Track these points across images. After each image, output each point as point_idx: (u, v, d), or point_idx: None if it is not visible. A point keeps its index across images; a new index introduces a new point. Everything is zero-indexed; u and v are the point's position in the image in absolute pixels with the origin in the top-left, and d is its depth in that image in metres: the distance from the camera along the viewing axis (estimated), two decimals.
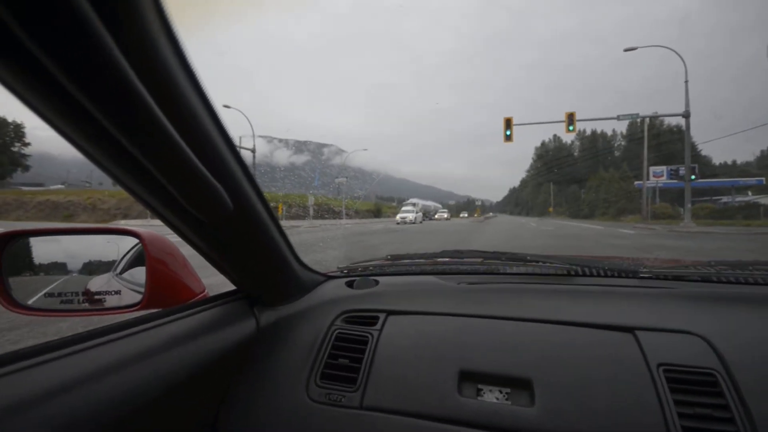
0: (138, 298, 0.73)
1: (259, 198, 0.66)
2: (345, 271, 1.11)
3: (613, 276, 0.92)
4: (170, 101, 0.42)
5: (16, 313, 0.72)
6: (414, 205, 39.31)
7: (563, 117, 18.22)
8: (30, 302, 0.75)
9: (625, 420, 0.60)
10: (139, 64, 0.36)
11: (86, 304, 0.78)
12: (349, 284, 1.02)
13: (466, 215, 58.79)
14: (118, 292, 0.78)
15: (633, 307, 0.80)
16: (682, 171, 18.51)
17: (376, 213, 43.12)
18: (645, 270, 0.92)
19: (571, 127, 18.05)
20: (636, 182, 42.29)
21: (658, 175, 35.47)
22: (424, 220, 34.76)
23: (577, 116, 18.02)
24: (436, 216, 41.82)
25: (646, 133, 30.50)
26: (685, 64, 18.08)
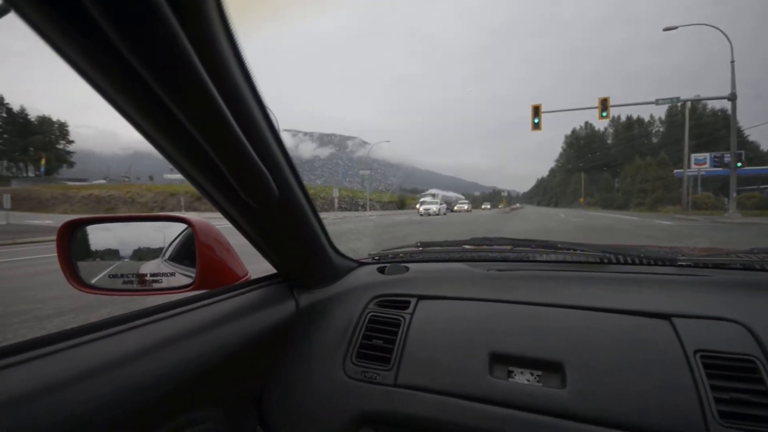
0: (189, 280, 0.79)
1: (300, 187, 0.70)
2: (376, 258, 1.14)
3: (649, 264, 0.91)
4: (230, 94, 0.46)
5: (85, 293, 0.79)
6: (434, 195, 37.67)
7: (596, 103, 17.37)
8: (95, 282, 0.82)
9: (658, 403, 0.60)
10: (204, 57, 0.39)
11: (144, 285, 0.85)
12: (381, 270, 1.05)
13: (488, 207, 54.99)
14: (172, 274, 0.84)
15: (670, 294, 0.78)
16: (728, 158, 17.22)
17: (400, 205, 42.94)
18: (684, 258, 0.90)
19: (604, 113, 17.13)
20: (676, 170, 39.81)
21: (700, 163, 33.07)
22: (447, 211, 33.71)
23: (612, 102, 17.11)
24: (455, 207, 38.77)
25: (687, 118, 28.51)
26: (731, 43, 16.75)
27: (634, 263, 0.92)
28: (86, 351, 0.50)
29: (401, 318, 0.85)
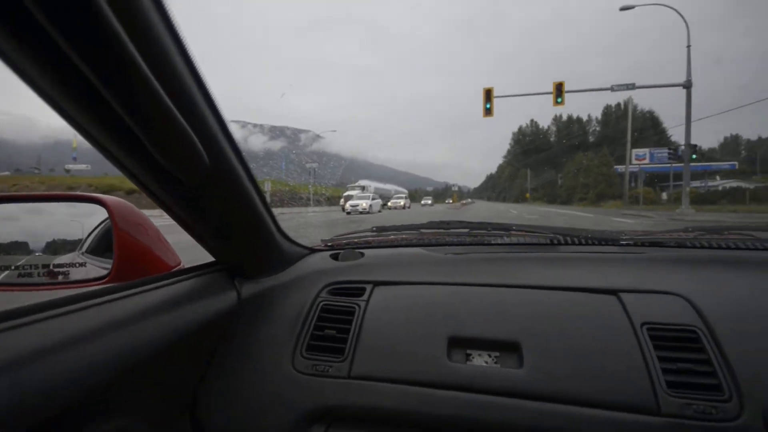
0: (105, 271, 0.69)
1: (238, 157, 0.62)
2: (329, 244, 1.09)
3: (594, 244, 0.95)
4: (144, 38, 0.40)
5: None
6: (363, 188, 31.04)
7: (549, 95, 15.78)
8: None
9: (611, 376, 0.62)
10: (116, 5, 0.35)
11: (47, 278, 0.72)
12: (334, 257, 1.00)
13: (429, 202, 47.12)
14: (83, 265, 0.74)
15: (615, 271, 0.82)
16: (681, 151, 16.61)
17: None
18: (626, 237, 0.95)
19: (559, 99, 15.67)
20: (615, 166, 41.16)
21: (640, 158, 34.28)
22: (382, 208, 27.57)
23: (567, 88, 15.56)
24: (389, 203, 31.26)
25: (630, 111, 28.70)
26: (688, 27, 15.93)
27: (581, 243, 0.96)
28: None
29: (355, 306, 0.81)
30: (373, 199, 24.41)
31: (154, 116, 0.45)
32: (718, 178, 41.48)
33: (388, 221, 1.33)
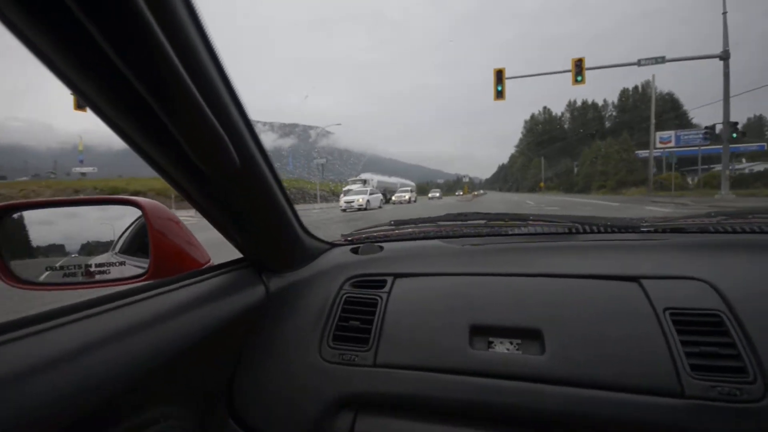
0: (142, 269, 0.73)
1: (263, 156, 0.65)
2: (349, 239, 1.10)
3: (614, 232, 0.94)
4: (181, 46, 0.42)
5: (19, 289, 0.71)
6: (365, 182, 29.79)
7: (569, 67, 14.39)
8: (32, 277, 0.74)
9: (633, 360, 0.62)
10: (153, 5, 0.36)
11: (88, 277, 0.77)
12: (354, 251, 1.01)
13: (437, 195, 43.16)
14: (122, 264, 0.77)
15: (636, 258, 0.81)
16: (720, 130, 14.96)
17: None
18: (646, 224, 0.94)
19: (579, 77, 14.32)
20: (637, 152, 38.92)
21: (665, 141, 31.88)
22: (384, 203, 25.69)
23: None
24: (393, 198, 29.76)
25: (654, 91, 26.71)
26: None
27: (600, 232, 0.95)
28: (20, 348, 0.43)
29: (378, 297, 0.83)
30: (371, 193, 22.57)
31: (188, 115, 0.46)
32: (743, 160, 38.86)
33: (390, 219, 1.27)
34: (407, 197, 29.73)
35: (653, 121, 25.45)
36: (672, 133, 32.94)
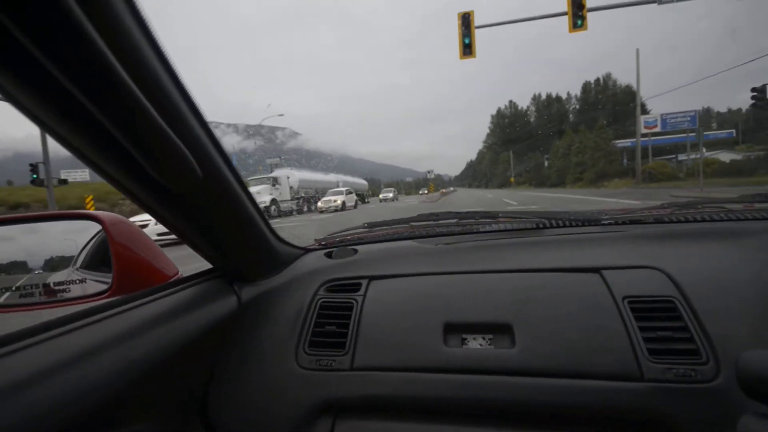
0: (105, 285, 0.70)
1: (228, 166, 0.64)
2: (323, 243, 1.10)
3: (578, 225, 0.98)
4: (132, 61, 0.41)
5: None
6: (275, 181, 20.50)
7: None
8: None
9: (596, 348, 0.66)
10: (100, 23, 0.35)
11: (47, 296, 0.74)
12: (328, 255, 1.01)
13: (391, 195, 35.54)
14: (82, 281, 0.75)
15: (598, 250, 0.85)
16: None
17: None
18: (606, 217, 0.98)
19: (579, 22, 10.15)
20: (614, 141, 36.20)
21: (650, 126, 29.11)
22: (308, 208, 21.48)
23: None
24: (319, 204, 21.52)
25: (638, 63, 23.37)
26: None
27: (565, 226, 0.99)
28: None
29: (353, 301, 0.83)
30: (279, 197, 18.17)
31: (144, 129, 0.44)
32: (704, 150, 37.33)
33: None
34: (339, 202, 20.69)
35: (639, 101, 22.27)
36: (657, 116, 30.15)
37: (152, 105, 0.43)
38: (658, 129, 29.40)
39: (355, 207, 22.80)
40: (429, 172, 31.40)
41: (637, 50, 23.13)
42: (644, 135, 25.82)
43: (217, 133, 0.59)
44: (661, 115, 29.40)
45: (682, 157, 34.63)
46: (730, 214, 0.91)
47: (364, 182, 43.47)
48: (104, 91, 0.38)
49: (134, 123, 0.43)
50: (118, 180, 0.51)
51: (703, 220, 0.92)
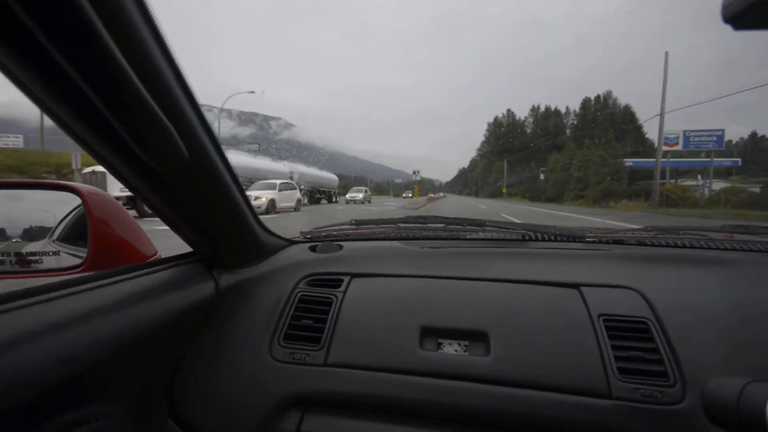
0: (80, 260, 0.69)
1: (216, 149, 0.62)
2: (308, 236, 1.09)
3: (562, 240, 0.99)
4: (122, 32, 0.39)
5: None
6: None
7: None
8: None
9: (568, 363, 0.67)
10: None
11: (20, 266, 0.72)
12: (313, 249, 1.00)
13: (360, 196, 29.00)
14: (57, 254, 0.73)
15: (579, 266, 0.86)
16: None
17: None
18: (591, 235, 0.99)
19: None
20: (626, 160, 32.88)
21: (671, 143, 25.73)
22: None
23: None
24: (253, 197, 13.18)
25: (666, 71, 20.11)
26: None
27: (550, 240, 0.99)
28: None
29: (333, 297, 0.83)
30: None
31: (131, 107, 0.44)
32: (699, 177, 34.49)
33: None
34: (263, 200, 13.64)
35: (663, 107, 18.95)
36: (680, 132, 26.88)
37: (141, 81, 0.42)
38: (679, 147, 26.24)
39: (296, 209, 16.42)
40: (415, 172, 25.85)
41: (666, 53, 20.00)
42: (663, 154, 22.60)
43: (209, 116, 0.58)
44: (684, 131, 26.15)
45: (687, 182, 31.72)
46: (710, 242, 0.93)
47: (334, 177, 33.66)
48: (91, 61, 0.37)
49: (121, 97, 0.42)
50: (103, 156, 0.50)
51: (684, 246, 0.93)
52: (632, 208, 21.70)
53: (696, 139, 25.77)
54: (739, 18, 0.34)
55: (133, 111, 0.44)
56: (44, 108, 0.43)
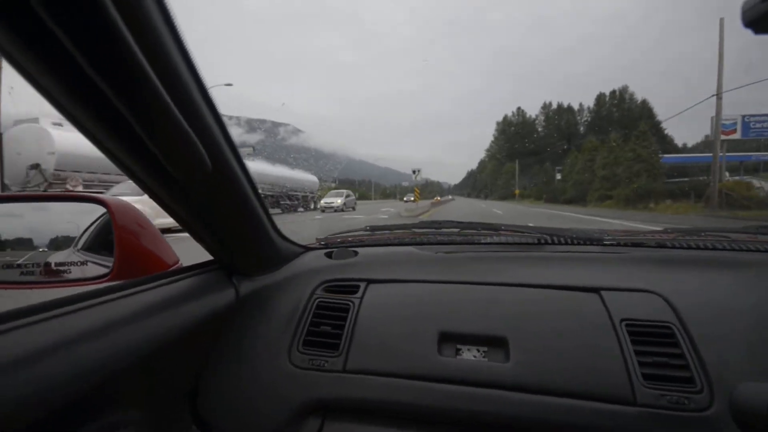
0: (106, 269, 0.70)
1: (237, 159, 0.63)
2: (323, 243, 1.10)
3: (579, 244, 0.97)
4: (151, 47, 0.40)
5: None
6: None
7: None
8: None
9: (590, 369, 0.65)
10: (123, 8, 0.35)
11: (47, 276, 0.74)
12: (328, 255, 1.01)
13: (337, 203, 21.37)
14: (83, 263, 0.74)
15: (598, 270, 0.85)
16: None
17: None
18: (609, 238, 0.97)
19: None
20: (662, 155, 28.60)
21: (728, 130, 21.29)
22: None
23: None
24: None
25: (722, 35, 15.75)
26: None
27: (567, 243, 0.97)
28: None
29: (350, 303, 0.83)
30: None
31: (157, 119, 0.44)
32: (727, 174, 30.08)
33: None
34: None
35: (721, 88, 15.14)
36: (738, 116, 22.37)
37: (169, 94, 0.43)
38: (737, 135, 22.07)
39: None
40: (415, 172, 20.81)
41: (721, 20, 16.21)
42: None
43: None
44: (743, 117, 21.86)
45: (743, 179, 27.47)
46: (732, 243, 0.91)
47: (312, 179, 27.29)
48: (123, 77, 0.38)
49: (149, 110, 0.43)
50: (128, 166, 0.51)
51: (705, 248, 0.91)
52: (682, 211, 17.72)
53: (758, 125, 21.43)
54: (759, 23, 0.33)
55: (161, 124, 0.45)
56: (76, 123, 0.43)
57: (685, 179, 25.87)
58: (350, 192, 24.50)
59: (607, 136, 40.34)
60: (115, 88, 0.39)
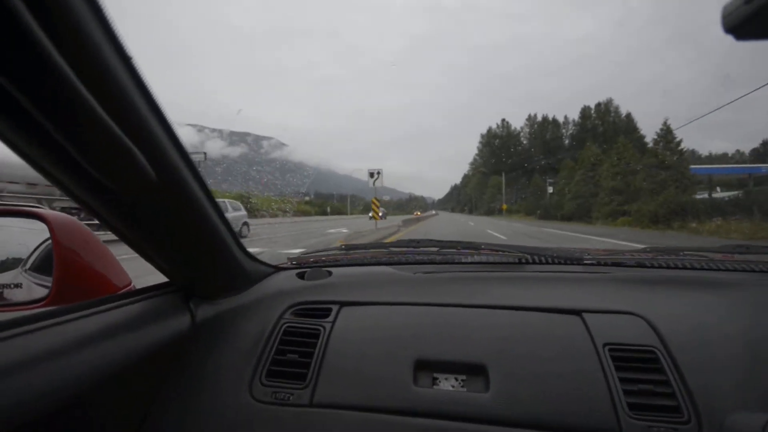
0: (45, 292, 0.64)
1: (190, 169, 0.57)
2: (295, 263, 1.05)
3: (560, 263, 0.96)
4: (70, 39, 0.35)
5: None
6: None
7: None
8: None
9: (574, 399, 0.62)
10: None
11: None
12: (300, 276, 0.96)
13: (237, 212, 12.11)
14: (18, 286, 0.69)
15: (579, 291, 0.83)
16: None
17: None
18: (589, 257, 0.96)
19: None
20: (693, 167, 23.78)
21: None
22: None
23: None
24: None
25: None
26: None
27: (547, 263, 0.96)
28: None
29: (320, 327, 0.77)
30: None
31: (78, 120, 0.38)
32: (719, 189, 26.03)
33: None
34: None
35: None
36: None
37: (94, 96, 0.38)
38: None
39: None
40: (373, 175, 12.06)
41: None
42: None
43: (201, 136, 0.51)
44: None
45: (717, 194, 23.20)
46: (710, 263, 0.91)
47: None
48: (30, 72, 0.33)
49: (70, 114, 0.37)
50: (54, 175, 0.45)
51: (684, 267, 0.90)
52: (741, 234, 12.59)
53: None
54: (740, 28, 0.32)
55: (87, 129, 0.39)
56: None
57: (735, 192, 21.09)
58: (241, 204, 13.60)
59: (610, 145, 36.01)
60: (21, 85, 0.33)
